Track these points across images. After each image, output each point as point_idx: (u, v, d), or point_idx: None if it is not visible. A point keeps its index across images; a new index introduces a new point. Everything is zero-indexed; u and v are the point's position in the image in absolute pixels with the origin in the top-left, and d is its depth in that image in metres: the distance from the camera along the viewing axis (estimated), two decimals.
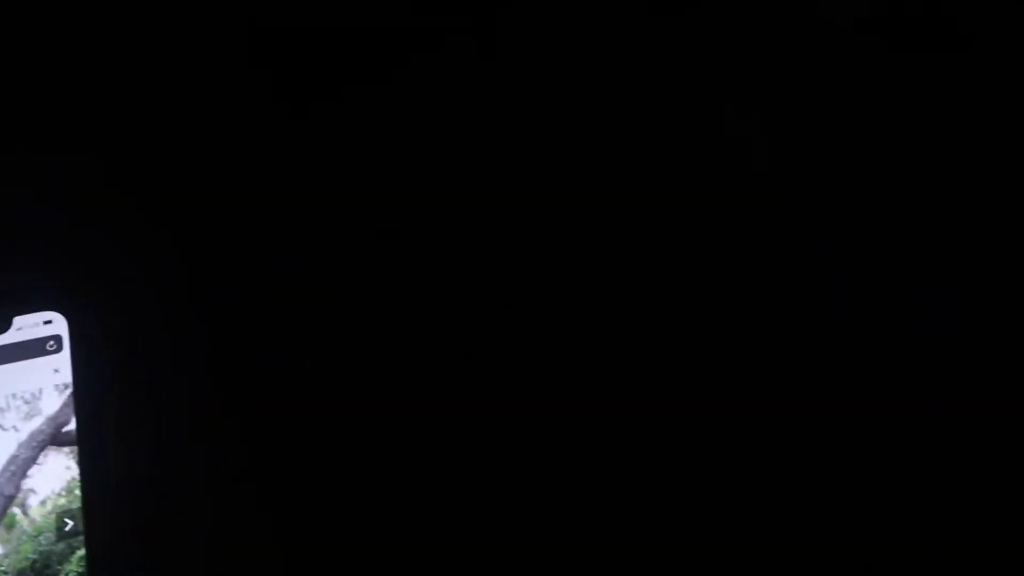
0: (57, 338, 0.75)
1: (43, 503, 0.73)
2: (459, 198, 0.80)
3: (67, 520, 0.73)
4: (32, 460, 0.73)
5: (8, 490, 0.73)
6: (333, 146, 0.80)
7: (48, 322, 0.75)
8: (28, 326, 0.74)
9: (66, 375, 0.74)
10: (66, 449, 0.74)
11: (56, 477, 0.74)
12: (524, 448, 0.78)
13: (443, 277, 0.80)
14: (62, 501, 0.74)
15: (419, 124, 0.81)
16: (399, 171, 0.80)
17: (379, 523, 0.77)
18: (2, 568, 0.72)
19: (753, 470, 0.79)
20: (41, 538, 0.73)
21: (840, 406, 0.79)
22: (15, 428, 0.73)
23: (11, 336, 0.74)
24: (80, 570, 0.73)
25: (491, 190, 0.81)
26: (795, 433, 0.79)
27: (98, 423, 0.75)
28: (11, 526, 0.73)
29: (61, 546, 0.73)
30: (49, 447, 0.74)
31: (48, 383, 0.74)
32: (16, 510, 0.73)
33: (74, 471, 0.74)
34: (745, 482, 0.79)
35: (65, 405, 0.74)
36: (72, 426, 0.74)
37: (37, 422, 0.74)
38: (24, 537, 0.73)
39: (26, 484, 0.73)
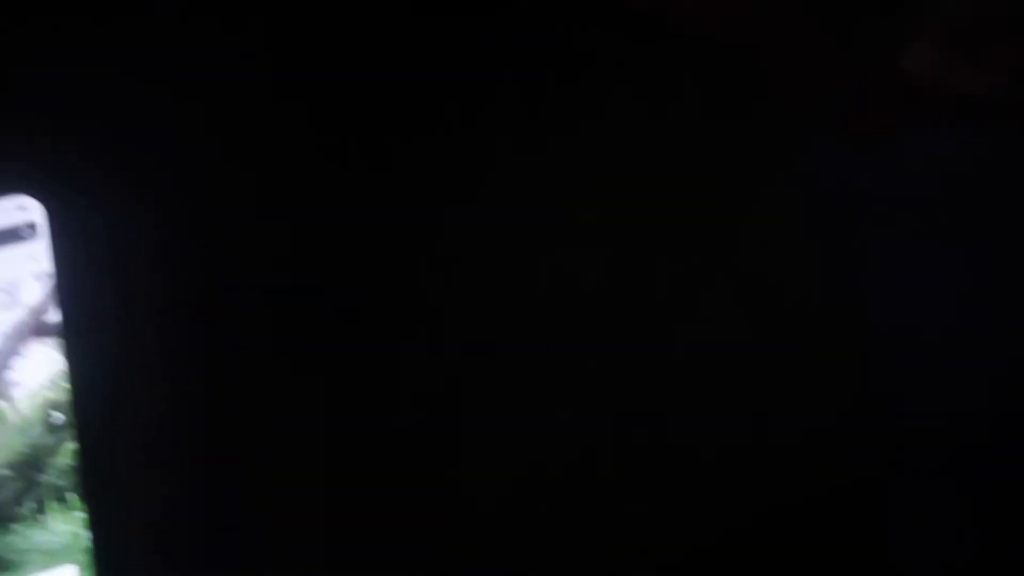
0: (33, 225, 0.72)
1: (30, 396, 0.72)
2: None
3: (55, 412, 0.72)
4: (14, 351, 0.72)
5: None
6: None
7: (22, 207, 0.72)
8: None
9: (45, 263, 0.72)
10: (49, 340, 0.72)
11: (41, 369, 0.72)
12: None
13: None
14: (48, 393, 0.72)
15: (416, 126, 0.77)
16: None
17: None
18: None
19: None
20: (31, 431, 0.72)
21: None
22: None
23: None
24: (71, 463, 0.72)
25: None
26: None
27: (80, 314, 0.73)
28: None
29: (50, 439, 0.72)
30: (32, 338, 0.72)
31: (26, 272, 0.72)
32: (2, 403, 0.71)
33: (59, 362, 0.72)
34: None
35: (45, 295, 0.72)
36: (54, 317, 0.72)
37: (17, 313, 0.72)
38: (13, 430, 0.71)
39: (10, 377, 0.71)
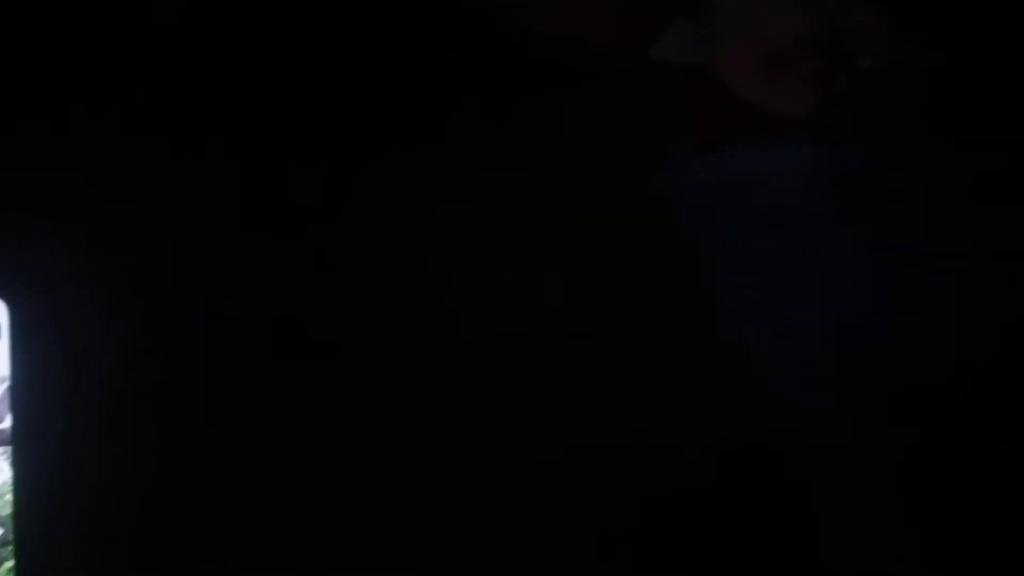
0: None
1: None
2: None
3: None
4: None
5: None
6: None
7: None
8: None
9: (2, 367, 0.67)
10: (0, 449, 0.68)
11: None
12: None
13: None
14: None
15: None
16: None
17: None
18: None
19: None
20: None
21: None
22: None
23: None
24: None
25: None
26: None
27: (35, 422, 0.67)
28: None
29: None
30: None
31: None
32: None
33: (7, 473, 0.67)
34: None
35: (1, 400, 0.67)
36: (7, 424, 0.67)
37: None
38: None
39: None
